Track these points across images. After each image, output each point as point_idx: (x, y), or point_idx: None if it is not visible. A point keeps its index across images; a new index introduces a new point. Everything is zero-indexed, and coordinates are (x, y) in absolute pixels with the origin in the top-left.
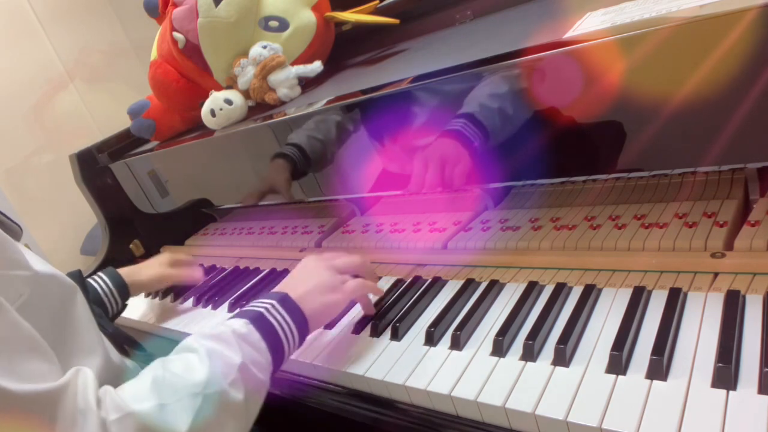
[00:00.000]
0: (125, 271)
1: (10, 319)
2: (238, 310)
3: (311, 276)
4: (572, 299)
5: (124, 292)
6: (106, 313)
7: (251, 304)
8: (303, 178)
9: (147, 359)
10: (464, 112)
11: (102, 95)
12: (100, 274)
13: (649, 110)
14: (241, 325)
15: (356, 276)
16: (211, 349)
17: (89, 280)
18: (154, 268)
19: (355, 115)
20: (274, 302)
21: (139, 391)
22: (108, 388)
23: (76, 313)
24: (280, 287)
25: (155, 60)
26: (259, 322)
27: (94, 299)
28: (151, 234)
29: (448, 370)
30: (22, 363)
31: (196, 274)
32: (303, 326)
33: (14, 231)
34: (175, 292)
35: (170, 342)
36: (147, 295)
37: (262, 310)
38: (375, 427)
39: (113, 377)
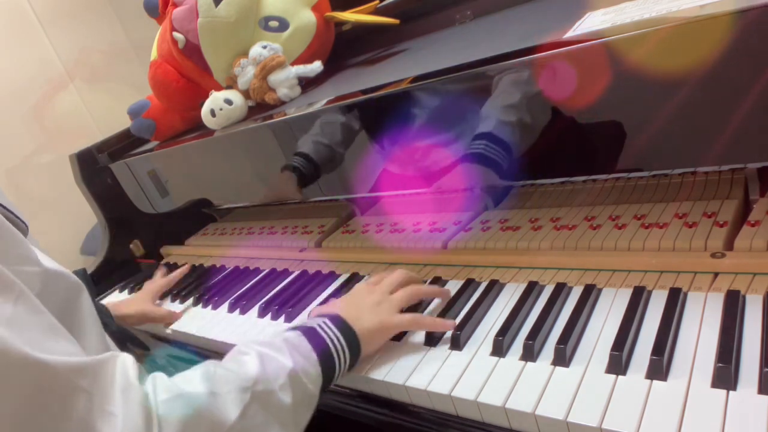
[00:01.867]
0: (112, 306)
1: (33, 303)
2: (290, 326)
3: (363, 300)
4: (572, 299)
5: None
6: None
7: (303, 321)
8: (313, 182)
9: (152, 361)
10: (482, 132)
11: (102, 95)
12: None
13: (649, 110)
14: (294, 335)
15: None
16: (262, 352)
17: None
18: (136, 304)
19: (356, 115)
20: (326, 320)
21: (189, 379)
22: (158, 374)
23: (82, 310)
24: (330, 308)
25: (155, 60)
26: (311, 334)
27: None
28: (151, 234)
29: (448, 370)
30: (53, 341)
31: (174, 315)
32: (355, 346)
33: (21, 228)
34: (175, 292)
35: (170, 342)
36: None
37: (314, 325)
38: (375, 427)
39: None
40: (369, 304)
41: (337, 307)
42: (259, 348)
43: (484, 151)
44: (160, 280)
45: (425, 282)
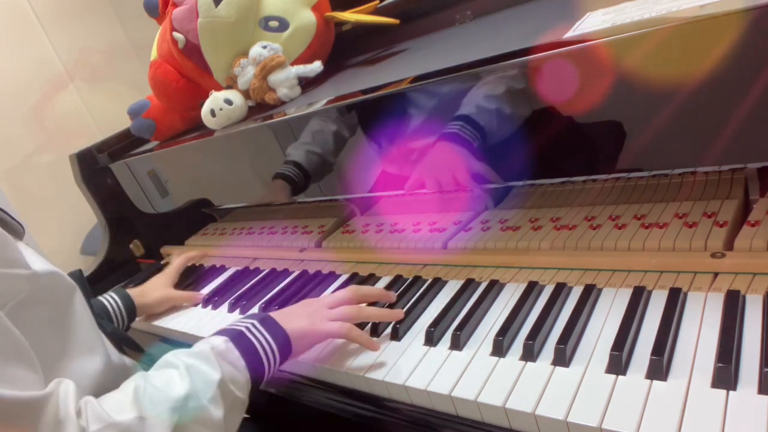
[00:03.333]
0: (134, 293)
1: (2, 324)
2: (219, 328)
3: (299, 306)
4: (572, 299)
5: (131, 313)
6: None
7: (232, 322)
8: (304, 190)
9: (145, 358)
10: (461, 114)
11: (102, 95)
12: (111, 293)
13: (649, 110)
14: (221, 342)
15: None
16: (191, 365)
17: (100, 297)
18: (160, 289)
19: (350, 118)
20: (255, 321)
21: (120, 403)
22: (89, 398)
23: (75, 311)
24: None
25: (155, 60)
26: (239, 339)
27: (101, 315)
28: (151, 234)
29: (448, 370)
30: (7, 369)
31: (196, 297)
32: (285, 346)
33: (16, 230)
34: None
35: (169, 342)
36: None
37: (242, 328)
38: (374, 427)
39: (114, 375)
40: (304, 311)
41: (275, 313)
42: (187, 360)
43: (473, 136)
44: (177, 260)
45: (425, 282)
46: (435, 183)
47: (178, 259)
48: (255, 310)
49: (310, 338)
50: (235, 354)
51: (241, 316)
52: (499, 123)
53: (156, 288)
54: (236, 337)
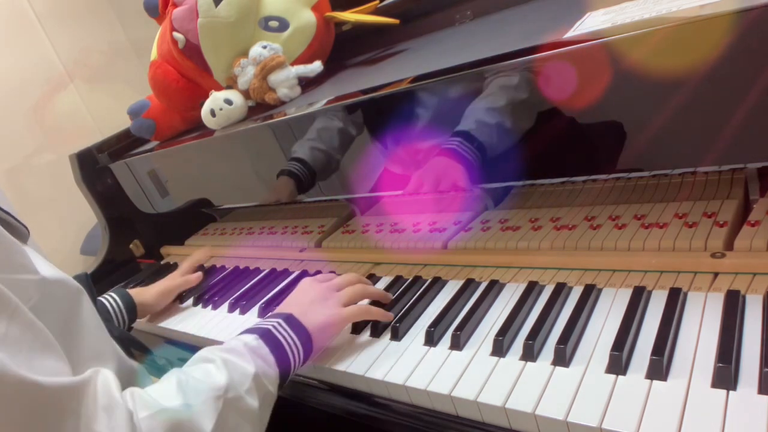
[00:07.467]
0: (134, 292)
1: (27, 319)
2: (246, 328)
3: (310, 296)
4: (572, 299)
5: (132, 312)
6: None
7: (258, 323)
8: (310, 188)
9: (152, 361)
10: (460, 130)
11: (102, 95)
12: (111, 293)
13: (649, 110)
14: (252, 339)
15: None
16: (227, 359)
17: (100, 297)
18: (161, 284)
19: (356, 116)
20: (280, 320)
21: (165, 391)
22: (134, 389)
23: (83, 316)
24: (282, 308)
25: (155, 60)
26: (268, 337)
27: (102, 316)
28: (151, 234)
29: (448, 370)
30: (40, 360)
31: (191, 278)
32: (307, 344)
33: (21, 233)
34: None
35: (172, 343)
36: None
37: (269, 327)
38: (374, 427)
39: (124, 379)
40: (317, 300)
41: (289, 306)
42: (222, 355)
43: (472, 154)
44: (184, 265)
45: (425, 282)
46: (431, 189)
47: (184, 264)
48: (255, 310)
49: (330, 330)
50: (265, 350)
51: (260, 318)
52: (497, 137)
53: (156, 286)
54: (265, 334)
